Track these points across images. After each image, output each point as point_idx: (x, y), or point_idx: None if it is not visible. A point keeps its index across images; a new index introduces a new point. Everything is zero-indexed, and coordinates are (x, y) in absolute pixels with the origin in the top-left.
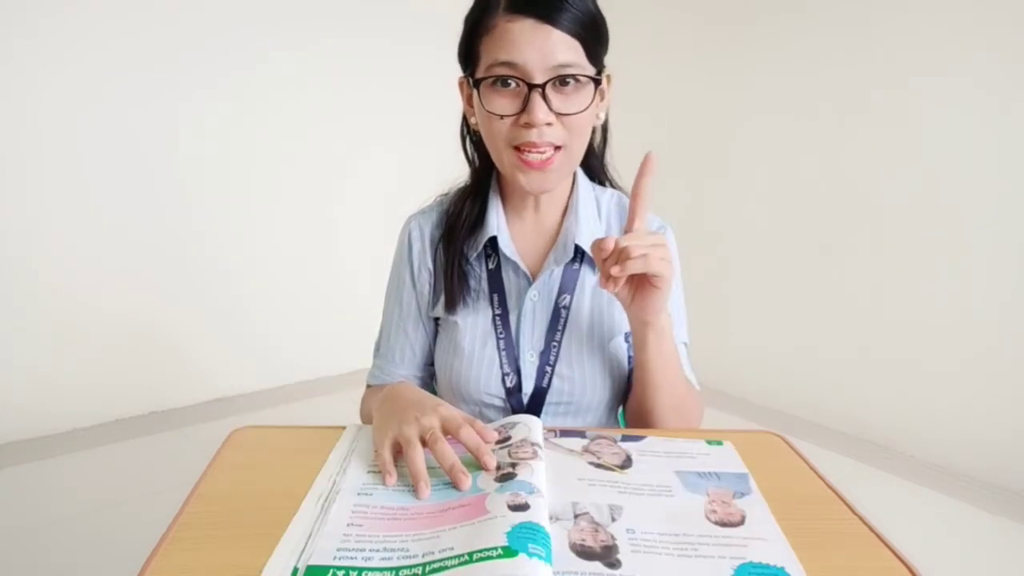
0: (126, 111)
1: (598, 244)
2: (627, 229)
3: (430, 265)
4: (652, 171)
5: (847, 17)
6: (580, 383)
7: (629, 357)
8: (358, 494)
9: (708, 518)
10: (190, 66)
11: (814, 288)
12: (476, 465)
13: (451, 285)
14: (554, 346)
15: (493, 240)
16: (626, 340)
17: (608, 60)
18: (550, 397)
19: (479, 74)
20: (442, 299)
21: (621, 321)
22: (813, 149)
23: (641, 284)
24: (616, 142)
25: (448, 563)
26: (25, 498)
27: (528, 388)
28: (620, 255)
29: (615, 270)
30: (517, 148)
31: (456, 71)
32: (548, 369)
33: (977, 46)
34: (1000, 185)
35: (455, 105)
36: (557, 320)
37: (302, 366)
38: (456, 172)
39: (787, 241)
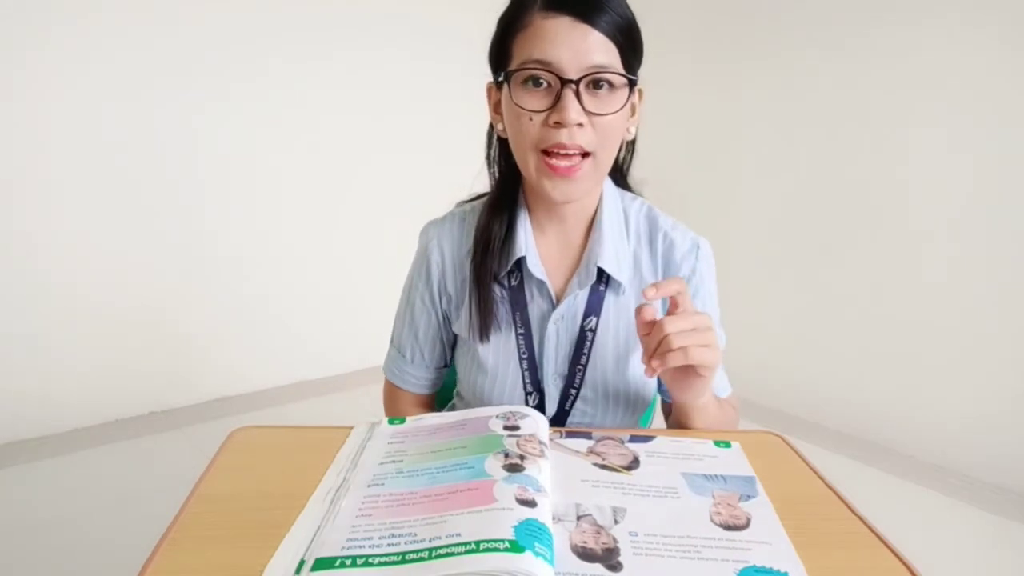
0: (132, 114)
1: (639, 312)
2: (669, 310)
3: (452, 287)
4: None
5: (847, 19)
6: (603, 407)
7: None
8: (368, 486)
9: (713, 521)
10: (208, 73)
11: (814, 288)
12: (484, 449)
13: (485, 317)
14: (579, 370)
15: (519, 260)
16: None
17: None
18: (571, 419)
19: (511, 68)
20: (465, 319)
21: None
22: (812, 149)
23: (685, 370)
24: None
25: (454, 550)
26: (25, 498)
27: (551, 410)
28: (661, 344)
29: (655, 364)
30: (545, 152)
31: (459, 75)
32: (572, 392)
33: (974, 48)
34: (999, 184)
35: (457, 109)
36: (583, 344)
37: (303, 366)
38: (457, 173)
39: (787, 241)
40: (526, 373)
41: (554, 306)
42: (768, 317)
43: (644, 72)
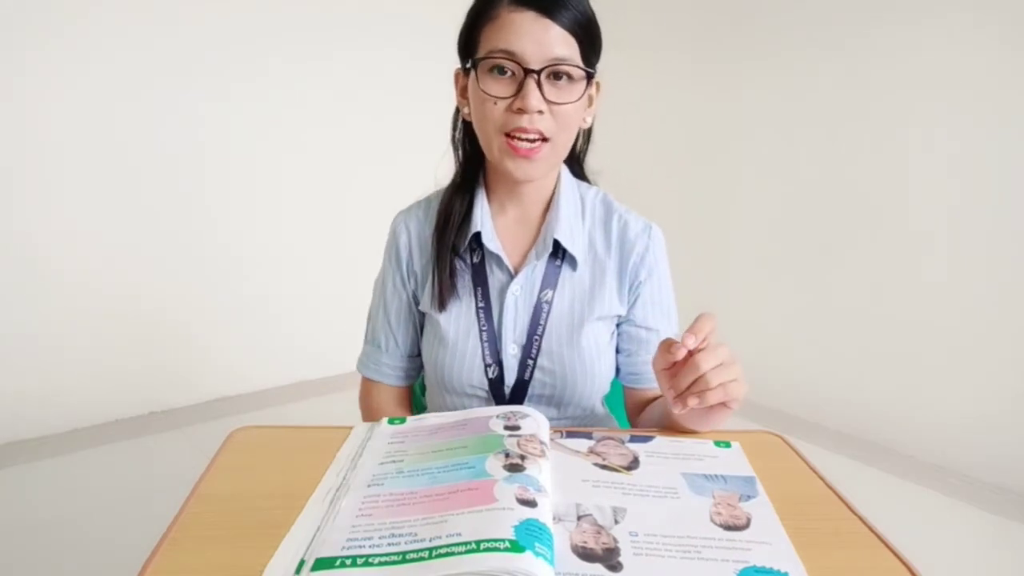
0: (132, 114)
1: (668, 350)
2: (693, 348)
3: (418, 266)
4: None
5: (847, 19)
6: (561, 376)
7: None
8: (368, 486)
9: (713, 521)
10: (208, 73)
11: (814, 288)
12: (484, 449)
13: (442, 285)
14: (536, 340)
15: (477, 235)
16: (617, 325)
17: (609, 64)
18: (532, 389)
19: (478, 56)
20: (428, 293)
21: (599, 309)
22: (812, 150)
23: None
24: (618, 143)
25: (455, 549)
26: (25, 498)
27: (510, 380)
28: (697, 382)
29: (692, 401)
30: (507, 135)
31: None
32: (530, 362)
33: (974, 48)
34: (999, 184)
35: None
36: (539, 315)
37: (303, 366)
38: (443, 173)
39: (787, 241)
40: (485, 345)
41: (512, 278)
42: (768, 317)
43: (644, 72)
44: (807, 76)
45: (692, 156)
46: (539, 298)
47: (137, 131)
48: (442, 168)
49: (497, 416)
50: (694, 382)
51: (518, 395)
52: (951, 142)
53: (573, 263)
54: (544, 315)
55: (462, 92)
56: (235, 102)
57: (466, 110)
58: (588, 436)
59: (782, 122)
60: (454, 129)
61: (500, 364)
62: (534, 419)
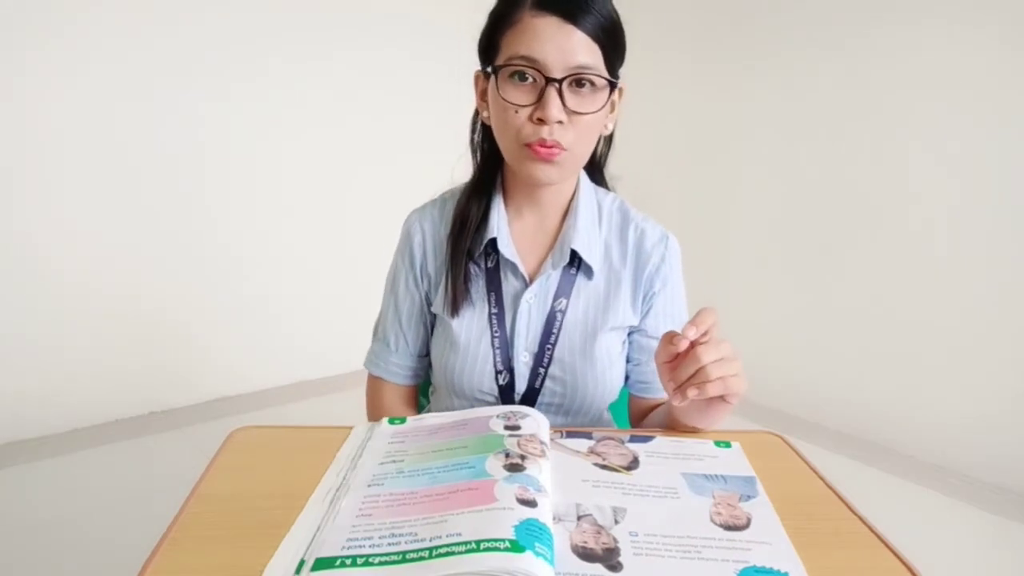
0: (132, 114)
1: (670, 342)
2: (694, 339)
3: (432, 267)
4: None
5: (847, 19)
6: (572, 386)
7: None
8: (368, 486)
9: (713, 521)
10: (208, 73)
11: (814, 288)
12: (484, 449)
13: (456, 291)
14: (548, 348)
15: (493, 240)
16: (628, 335)
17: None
18: (542, 398)
19: (499, 62)
20: (441, 296)
21: (613, 320)
22: (813, 150)
23: (712, 398)
24: (617, 143)
25: (455, 549)
26: (25, 498)
27: (521, 388)
28: (697, 374)
29: (692, 393)
30: (527, 145)
31: (459, 76)
32: (541, 371)
33: (974, 48)
34: (999, 184)
35: (458, 109)
36: (552, 323)
37: (303, 366)
38: (460, 172)
39: (787, 241)
40: (497, 352)
41: (527, 286)
42: (768, 317)
43: (645, 72)
44: (807, 76)
45: (692, 156)
46: (553, 307)
47: (137, 131)
48: (458, 169)
49: (497, 416)
50: (694, 374)
51: (528, 403)
52: (951, 142)
53: (589, 272)
54: (557, 324)
55: (482, 95)
56: (235, 102)
57: (485, 114)
58: (588, 436)
59: (782, 122)
60: (473, 132)
61: (511, 371)
62: (534, 419)
